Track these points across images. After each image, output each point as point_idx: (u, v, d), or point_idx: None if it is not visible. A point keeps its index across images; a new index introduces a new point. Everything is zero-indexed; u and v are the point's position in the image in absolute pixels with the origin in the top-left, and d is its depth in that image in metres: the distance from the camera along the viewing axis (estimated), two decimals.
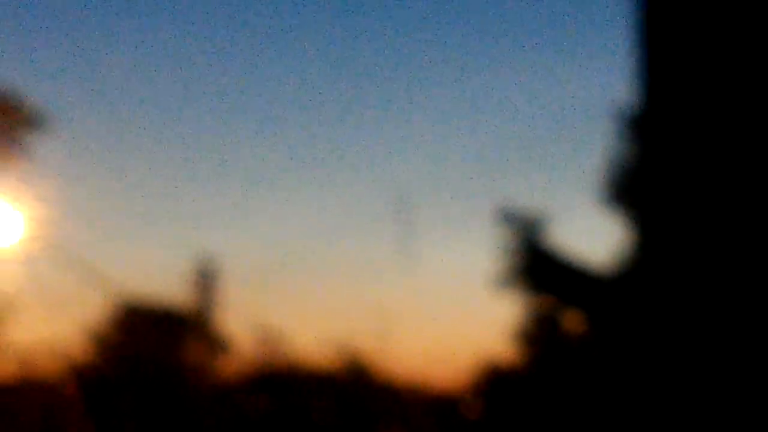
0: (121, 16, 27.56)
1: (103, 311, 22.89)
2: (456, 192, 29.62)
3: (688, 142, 3.19)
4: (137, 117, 28.56)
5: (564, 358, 20.14)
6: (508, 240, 19.70)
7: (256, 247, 29.26)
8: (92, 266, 20.01)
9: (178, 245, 29.59)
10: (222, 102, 30.49)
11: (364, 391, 24.90)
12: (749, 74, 3.14)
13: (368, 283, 30.89)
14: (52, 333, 21.94)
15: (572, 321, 20.12)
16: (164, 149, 29.23)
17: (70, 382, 20.16)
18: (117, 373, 22.03)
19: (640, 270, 3.29)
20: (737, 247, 3.08)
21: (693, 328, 3.10)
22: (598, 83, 28.78)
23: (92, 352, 22.70)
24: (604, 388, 17.76)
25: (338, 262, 30.83)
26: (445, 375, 28.30)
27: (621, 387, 16.15)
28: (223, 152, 30.46)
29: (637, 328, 3.29)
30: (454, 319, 29.77)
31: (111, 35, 28.03)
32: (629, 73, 3.38)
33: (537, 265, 19.58)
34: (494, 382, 23.24)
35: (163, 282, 26.11)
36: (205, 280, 22.89)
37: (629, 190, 17.78)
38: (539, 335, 20.40)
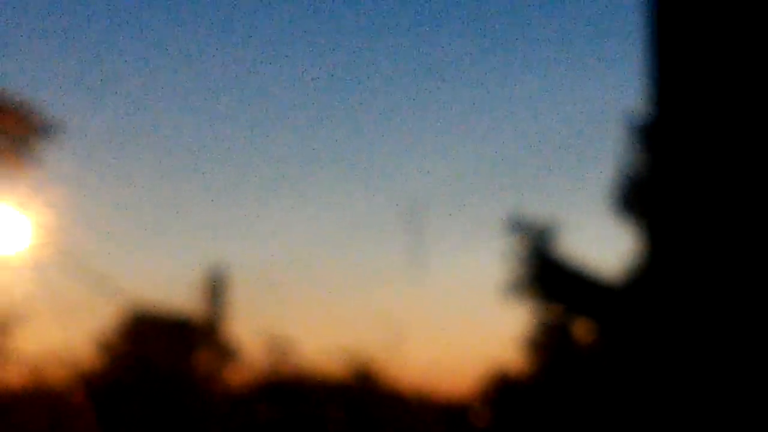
0: (134, 24, 27.59)
1: (113, 319, 22.91)
2: (466, 200, 29.57)
3: (698, 151, 3.17)
4: (148, 125, 28.58)
5: (573, 367, 20.11)
6: (518, 248, 19.69)
7: (265, 256, 29.25)
8: (102, 274, 20.02)
9: (187, 253, 29.59)
10: (233, 110, 30.49)
11: (373, 400, 24.88)
12: (761, 83, 3.12)
13: (378, 292, 30.85)
14: (60, 341, 21.95)
15: (582, 330, 20.09)
16: (175, 157, 29.24)
17: (78, 390, 20.16)
18: (126, 382, 22.04)
19: (650, 279, 3.27)
20: (748, 257, 3.06)
21: (703, 337, 3.08)
22: (609, 91, 28.74)
23: (101, 360, 22.72)
24: (613, 397, 17.72)
25: (348, 270, 30.79)
26: (454, 383, 28.23)
27: (631, 396, 16.11)
28: (234, 161, 30.46)
29: (647, 337, 3.27)
30: (463, 328, 29.71)
31: (123, 43, 28.06)
32: (640, 82, 3.36)
33: (547, 274, 19.55)
34: (503, 390, 23.20)
35: (172, 290, 26.09)
36: (215, 288, 22.90)
37: (640, 198, 17.76)
38: (549, 344, 20.37)
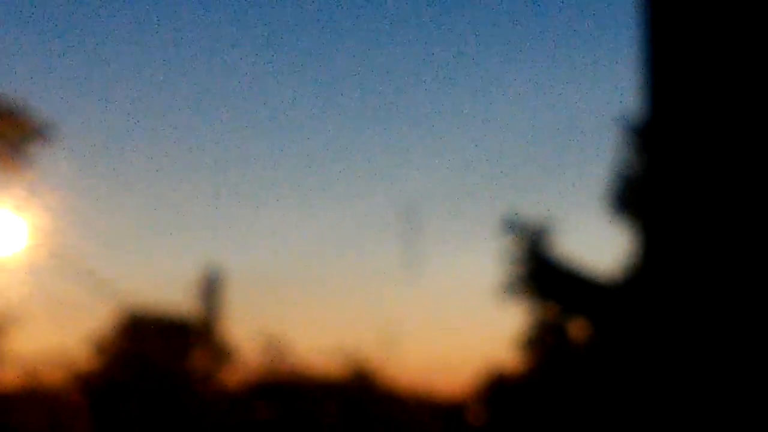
0: (131, 26, 27.58)
1: (109, 320, 22.92)
2: (461, 201, 29.58)
3: (694, 151, 3.20)
4: (144, 127, 28.57)
5: (569, 366, 20.14)
6: (514, 248, 19.72)
7: (261, 256, 29.25)
8: (98, 275, 20.03)
9: (184, 253, 29.58)
10: (230, 111, 30.48)
11: (370, 399, 24.90)
12: (757, 84, 3.14)
13: (374, 291, 30.86)
14: (57, 342, 21.96)
15: (577, 329, 20.12)
16: (171, 159, 29.22)
17: (75, 391, 20.18)
18: (123, 382, 22.04)
19: (645, 278, 3.30)
20: (743, 257, 3.09)
21: (699, 337, 3.11)
22: (604, 92, 28.75)
23: (98, 361, 22.72)
24: (609, 396, 17.75)
25: (344, 270, 30.80)
26: (450, 382, 28.26)
27: (626, 395, 16.14)
28: (230, 162, 30.45)
29: (643, 337, 3.30)
30: (459, 327, 29.73)
31: (119, 45, 28.05)
32: (635, 82, 3.39)
33: (542, 274, 19.58)
34: (499, 389, 23.23)
35: (169, 290, 26.10)
36: (211, 288, 22.91)
37: (634, 198, 17.79)
38: (544, 343, 20.40)
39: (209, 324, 23.00)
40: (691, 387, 3.09)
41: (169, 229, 28.57)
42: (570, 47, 30.79)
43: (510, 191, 30.82)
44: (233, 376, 24.15)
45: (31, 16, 25.40)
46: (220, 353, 23.44)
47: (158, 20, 28.10)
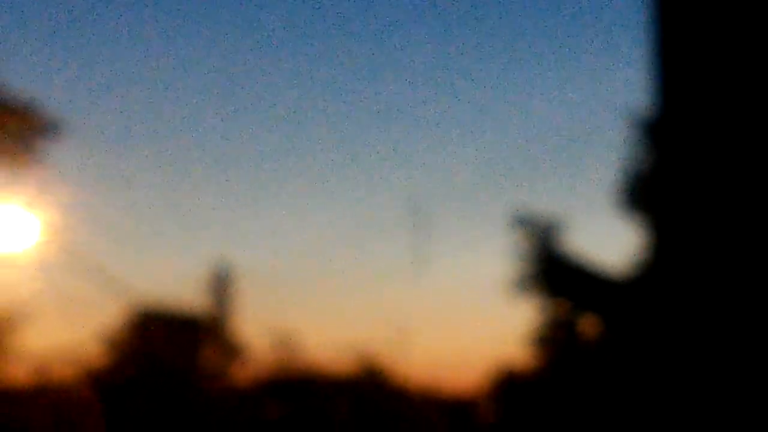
0: (142, 23, 27.62)
1: (119, 316, 22.94)
2: (471, 197, 29.60)
3: (704, 147, 3.19)
4: (155, 123, 28.63)
5: (580, 363, 20.11)
6: (524, 245, 19.69)
7: (271, 253, 29.29)
8: (108, 271, 20.05)
9: (194, 251, 29.64)
10: (238, 108, 30.53)
11: (379, 396, 24.90)
12: (766, 81, 3.13)
13: (384, 289, 30.88)
14: (67, 338, 21.99)
15: (588, 325, 20.09)
16: (182, 156, 29.29)
17: (85, 388, 20.20)
18: (132, 379, 22.07)
19: (655, 274, 3.29)
20: (753, 253, 3.08)
21: (708, 333, 3.10)
22: (614, 89, 28.74)
23: (108, 357, 22.74)
24: (619, 392, 17.72)
25: (354, 267, 30.83)
26: (460, 379, 28.28)
27: (637, 391, 16.12)
28: (240, 159, 30.50)
29: (653, 333, 3.29)
30: (469, 324, 29.76)
31: (131, 42, 28.11)
32: (646, 78, 3.38)
33: (552, 270, 19.56)
34: (510, 386, 23.21)
35: (178, 287, 26.14)
36: (221, 285, 22.92)
37: (645, 194, 17.76)
38: (555, 340, 20.37)
39: (219, 321, 23.02)
40: (702, 382, 3.09)
41: (180, 226, 28.62)
42: (581, 44, 30.77)
43: (520, 188, 30.80)
44: (243, 373, 24.18)
45: (45, 14, 25.44)
46: (230, 350, 23.45)
47: (175, 20, 28.14)
